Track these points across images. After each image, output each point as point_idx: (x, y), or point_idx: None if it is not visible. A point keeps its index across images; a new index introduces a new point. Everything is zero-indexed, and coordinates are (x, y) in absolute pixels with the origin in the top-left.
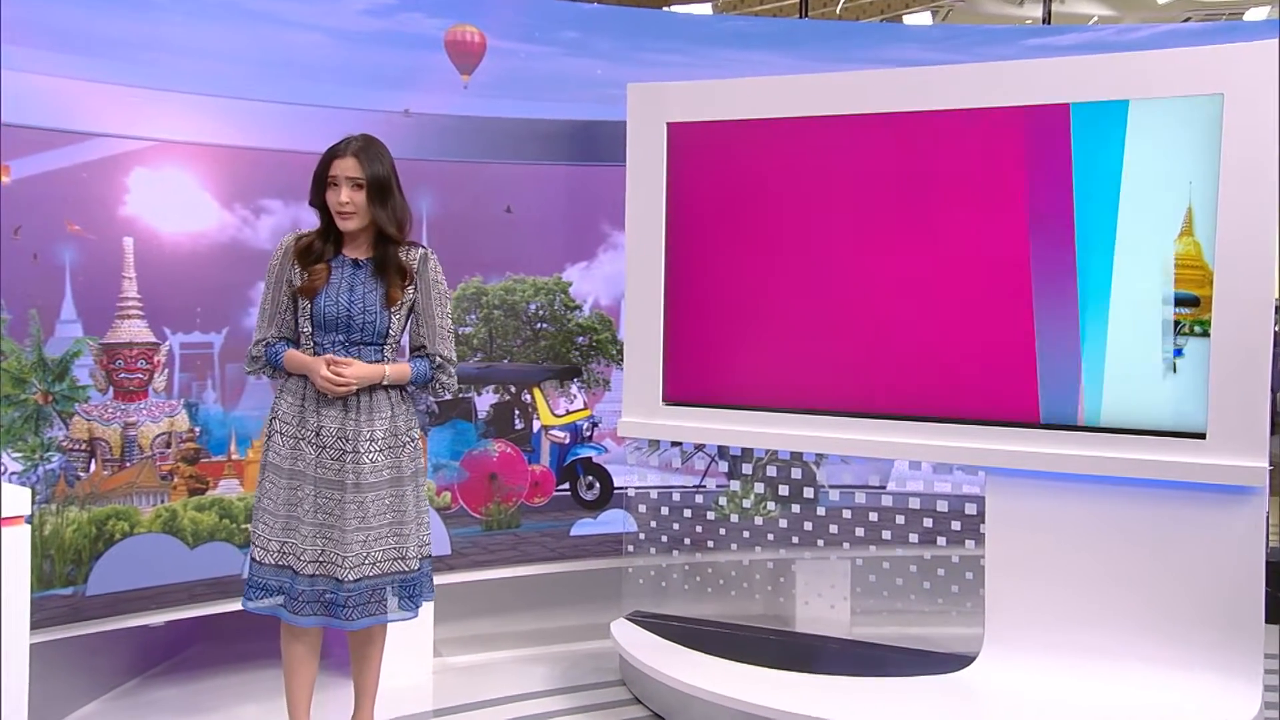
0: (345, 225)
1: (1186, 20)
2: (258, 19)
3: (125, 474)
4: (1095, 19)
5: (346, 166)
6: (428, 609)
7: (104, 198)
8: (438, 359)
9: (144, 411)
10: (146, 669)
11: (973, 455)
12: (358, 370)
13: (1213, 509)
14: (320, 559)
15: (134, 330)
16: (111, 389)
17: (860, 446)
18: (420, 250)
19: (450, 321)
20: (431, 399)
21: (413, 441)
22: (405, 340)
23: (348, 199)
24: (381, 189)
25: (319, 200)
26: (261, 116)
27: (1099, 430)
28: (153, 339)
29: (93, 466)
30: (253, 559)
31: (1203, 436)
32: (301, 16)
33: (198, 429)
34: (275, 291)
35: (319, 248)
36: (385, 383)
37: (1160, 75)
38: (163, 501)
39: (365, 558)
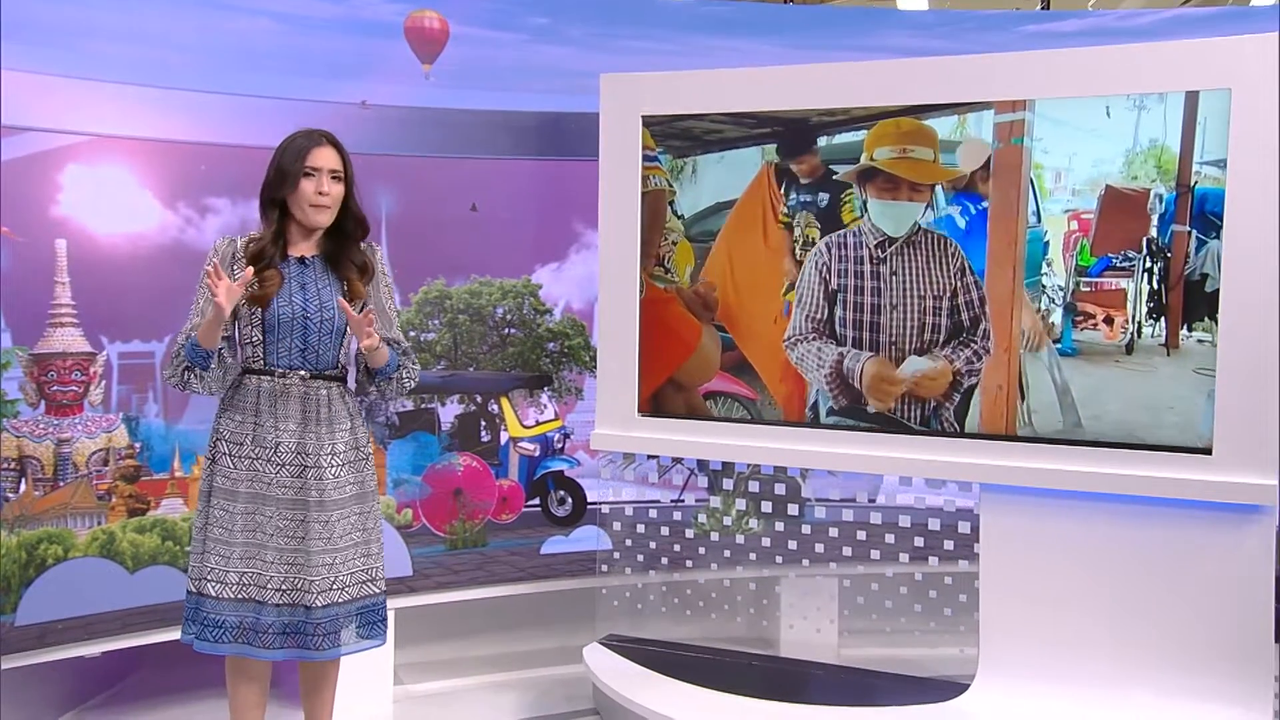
0: (320, 219)
1: (1184, 2)
2: (200, 3)
3: (58, 494)
4: (1093, 1)
5: (327, 157)
6: (389, 634)
7: (34, 197)
8: (403, 345)
9: (79, 426)
10: (81, 702)
11: (966, 471)
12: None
13: (1219, 529)
14: (284, 586)
15: (68, 339)
16: (43, 403)
17: (849, 461)
18: (366, 244)
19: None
20: (391, 393)
21: (370, 456)
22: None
23: (329, 189)
24: (351, 183)
25: (287, 192)
26: (205, 109)
27: (1100, 445)
28: (88, 348)
29: (23, 486)
30: (204, 595)
31: (1209, 452)
32: (248, 0)
33: (138, 445)
34: (209, 301)
35: (271, 252)
36: (368, 353)
37: (1166, 68)
38: (100, 523)
39: (333, 583)
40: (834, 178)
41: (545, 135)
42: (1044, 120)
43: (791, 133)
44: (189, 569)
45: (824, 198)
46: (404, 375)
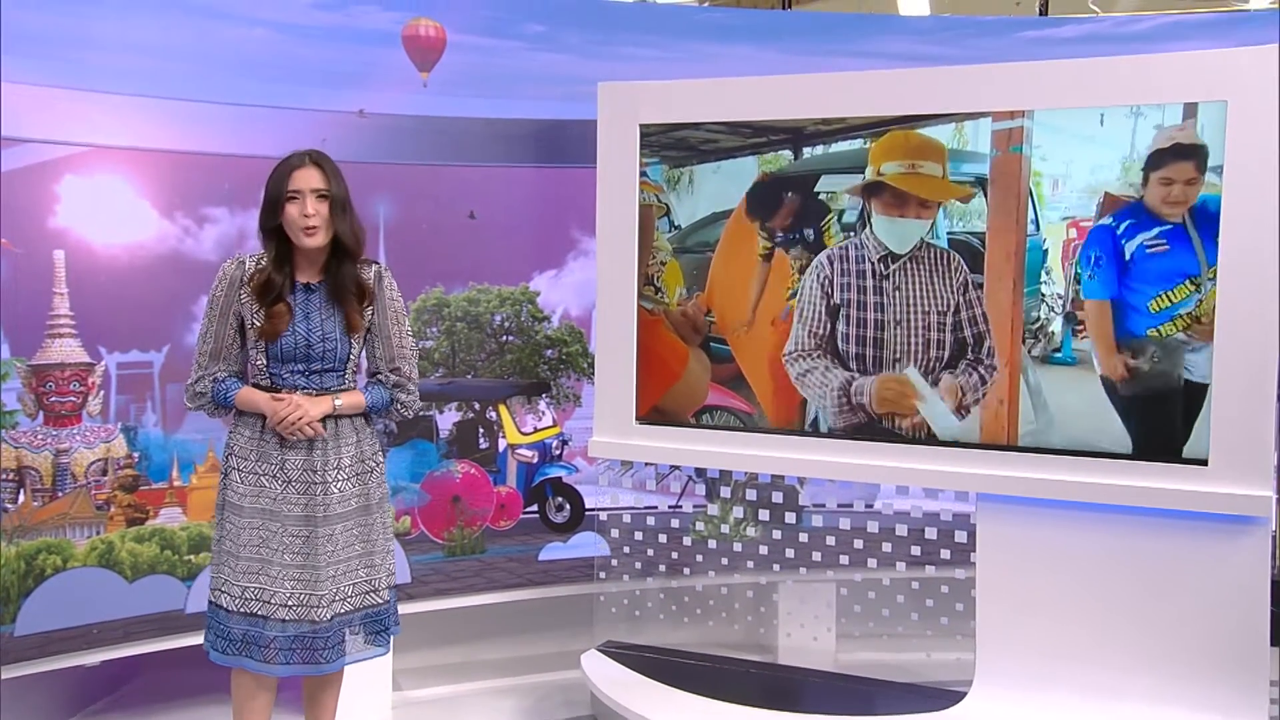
0: (311, 241)
1: None
2: (197, 13)
3: (57, 504)
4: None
5: (310, 177)
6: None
7: (32, 208)
8: (393, 377)
9: (77, 437)
10: (80, 709)
11: (963, 481)
12: (309, 407)
13: (1215, 539)
14: (292, 602)
15: (66, 350)
16: (41, 413)
17: (846, 470)
18: (374, 267)
19: (411, 339)
20: (384, 420)
21: (378, 466)
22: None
23: (314, 210)
24: (343, 202)
25: (273, 223)
26: (203, 118)
27: (1095, 455)
28: (86, 359)
29: (21, 497)
30: (219, 605)
31: (1204, 463)
32: (245, 10)
33: (136, 454)
34: (221, 324)
35: (278, 282)
36: (336, 412)
37: (1163, 80)
38: (99, 533)
39: (337, 594)
40: (841, 190)
41: (543, 143)
42: (1042, 127)
43: (762, 190)
44: (210, 578)
45: (809, 234)
46: (398, 408)
